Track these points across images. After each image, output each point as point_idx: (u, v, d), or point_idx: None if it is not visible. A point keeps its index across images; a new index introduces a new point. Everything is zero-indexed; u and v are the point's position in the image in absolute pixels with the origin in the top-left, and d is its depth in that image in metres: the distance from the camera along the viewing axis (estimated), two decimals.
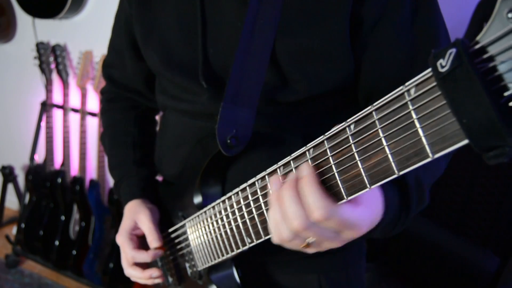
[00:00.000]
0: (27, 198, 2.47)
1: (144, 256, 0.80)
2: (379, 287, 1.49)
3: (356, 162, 0.42)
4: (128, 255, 0.81)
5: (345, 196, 0.45)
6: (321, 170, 0.46)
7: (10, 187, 2.64)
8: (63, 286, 2.31)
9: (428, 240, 1.42)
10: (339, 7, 0.63)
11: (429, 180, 0.65)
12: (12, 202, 2.88)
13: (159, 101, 0.87)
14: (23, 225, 2.37)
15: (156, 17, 0.76)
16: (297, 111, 0.72)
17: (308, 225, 0.46)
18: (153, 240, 0.80)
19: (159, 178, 0.94)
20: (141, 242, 0.84)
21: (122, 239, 0.83)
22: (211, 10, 0.71)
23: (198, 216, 0.72)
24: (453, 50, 0.32)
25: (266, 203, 0.55)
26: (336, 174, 0.44)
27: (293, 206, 0.46)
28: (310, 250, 0.53)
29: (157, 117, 1.05)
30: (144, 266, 0.84)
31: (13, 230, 2.59)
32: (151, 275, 0.81)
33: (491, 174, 1.35)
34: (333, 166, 0.45)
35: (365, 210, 0.48)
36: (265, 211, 0.55)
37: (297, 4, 0.65)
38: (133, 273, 0.83)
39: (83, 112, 2.28)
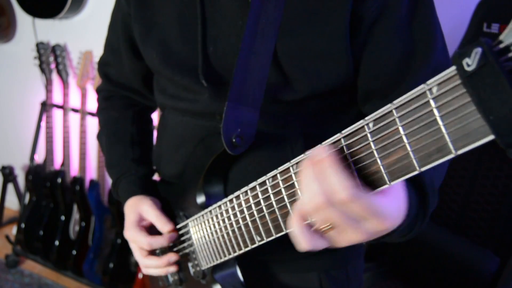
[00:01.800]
0: (27, 198, 2.47)
1: (161, 241, 0.78)
2: (379, 287, 1.49)
3: (376, 159, 0.43)
4: (144, 243, 0.79)
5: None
6: None
7: (10, 187, 2.64)
8: (63, 286, 2.32)
9: (428, 240, 1.42)
10: (340, 5, 0.63)
11: (438, 182, 0.66)
12: (12, 202, 2.88)
13: (158, 100, 0.86)
14: (23, 225, 2.37)
15: (155, 15, 0.76)
16: (298, 110, 0.72)
17: (330, 203, 0.42)
18: (163, 225, 0.78)
19: (156, 178, 0.94)
20: (149, 232, 0.83)
21: (131, 232, 0.81)
22: (211, 8, 0.71)
23: (202, 215, 0.72)
24: (479, 50, 0.32)
25: (277, 202, 0.55)
26: (354, 171, 0.45)
27: (315, 184, 0.43)
28: (322, 245, 0.49)
29: (154, 116, 1.05)
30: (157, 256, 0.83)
31: (13, 230, 2.59)
32: (169, 260, 0.79)
33: (491, 174, 1.36)
34: (351, 164, 0.45)
35: (393, 201, 0.46)
36: (276, 209, 0.55)
37: (299, 3, 0.65)
38: (150, 263, 0.81)
39: (83, 112, 2.28)
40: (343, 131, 0.45)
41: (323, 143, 0.48)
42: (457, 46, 1.44)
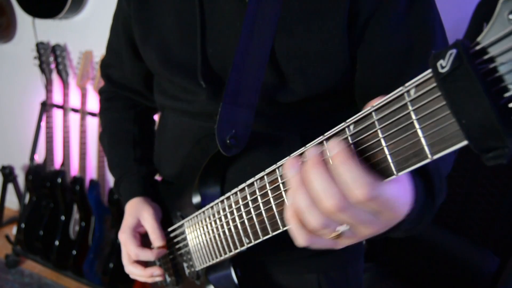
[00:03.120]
0: (27, 198, 2.47)
1: (148, 255, 0.80)
2: (379, 287, 1.49)
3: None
4: (132, 252, 0.81)
5: None
6: None
7: (10, 187, 2.64)
8: (63, 286, 2.32)
9: (428, 240, 1.42)
10: (337, 5, 0.63)
11: (445, 170, 0.64)
12: (12, 202, 2.88)
13: (157, 101, 0.87)
14: (23, 225, 2.37)
15: (154, 17, 0.76)
16: (295, 111, 0.72)
17: (344, 206, 0.39)
18: (156, 239, 0.80)
19: (158, 178, 0.95)
20: (143, 240, 0.84)
21: (125, 236, 0.82)
22: (210, 10, 0.71)
23: (196, 216, 0.72)
24: (454, 51, 0.31)
25: (264, 203, 0.55)
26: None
27: (324, 184, 0.39)
28: (341, 242, 0.46)
29: (155, 117, 1.05)
30: (144, 264, 0.84)
31: (13, 230, 2.59)
32: (153, 274, 0.81)
33: (491, 174, 1.36)
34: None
35: (401, 188, 0.43)
36: (263, 211, 0.55)
37: (296, 4, 0.65)
38: (134, 271, 0.83)
39: (83, 112, 2.28)
40: (325, 133, 0.45)
41: (307, 145, 0.46)
42: None
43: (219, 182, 0.75)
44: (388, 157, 0.39)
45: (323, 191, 0.40)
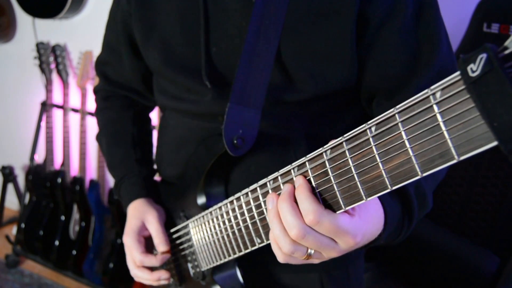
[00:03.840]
0: (27, 198, 2.47)
1: (153, 261, 0.80)
2: (379, 287, 1.49)
3: (378, 163, 0.43)
4: (137, 259, 0.80)
5: (343, 207, 0.48)
6: (339, 172, 0.47)
7: (10, 187, 2.64)
8: (63, 286, 2.31)
9: (428, 240, 1.42)
10: (346, 7, 0.63)
11: (431, 185, 0.66)
12: (12, 202, 2.88)
13: (158, 101, 0.86)
14: (23, 225, 2.37)
15: (156, 15, 0.75)
16: (301, 111, 0.72)
17: (304, 233, 0.48)
18: (160, 244, 0.79)
19: (157, 178, 0.94)
20: (147, 243, 0.84)
21: (130, 241, 0.81)
22: (214, 8, 0.70)
23: (203, 216, 0.71)
24: (484, 56, 0.32)
25: None
26: (355, 175, 0.45)
27: (289, 216, 0.49)
28: (314, 261, 0.55)
29: (153, 116, 1.04)
30: (150, 267, 0.84)
31: (13, 230, 2.59)
32: (160, 277, 0.81)
33: (491, 174, 1.36)
34: (352, 168, 0.45)
35: (360, 222, 0.50)
36: None
37: (303, 4, 0.65)
38: (140, 275, 0.82)
39: (83, 112, 2.28)
40: (345, 135, 0.45)
41: (325, 146, 0.49)
42: (457, 46, 1.44)
43: (223, 182, 0.74)
44: (413, 158, 0.40)
45: (289, 222, 0.49)
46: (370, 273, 1.52)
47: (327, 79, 0.67)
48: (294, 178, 0.51)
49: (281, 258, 0.54)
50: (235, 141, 0.66)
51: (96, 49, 2.24)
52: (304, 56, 0.66)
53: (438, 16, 0.67)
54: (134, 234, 0.82)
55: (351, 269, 0.84)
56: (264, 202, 0.57)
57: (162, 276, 0.81)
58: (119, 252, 2.10)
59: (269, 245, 0.59)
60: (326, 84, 0.68)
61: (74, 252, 2.24)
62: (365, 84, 0.70)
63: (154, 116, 1.02)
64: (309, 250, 0.52)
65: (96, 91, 1.01)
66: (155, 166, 0.95)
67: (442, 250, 1.39)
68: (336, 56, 0.65)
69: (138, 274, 0.82)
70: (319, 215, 0.47)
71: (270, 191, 0.55)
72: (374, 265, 1.54)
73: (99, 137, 0.97)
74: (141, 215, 0.82)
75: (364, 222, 0.51)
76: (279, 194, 0.53)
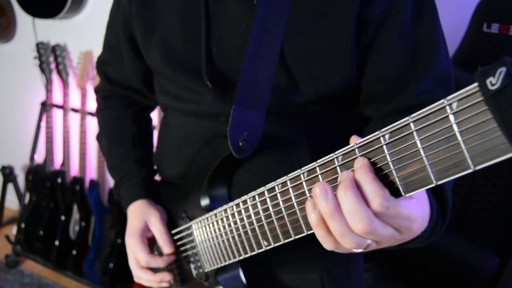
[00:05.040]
0: (27, 198, 2.47)
1: (159, 262, 0.80)
2: (379, 287, 1.49)
3: (391, 170, 0.43)
4: (142, 260, 0.80)
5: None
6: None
7: (10, 187, 2.64)
8: (63, 286, 2.32)
9: None
10: (347, 9, 0.63)
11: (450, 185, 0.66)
12: (12, 202, 2.88)
13: (160, 101, 0.86)
14: (23, 225, 2.37)
15: (157, 15, 0.76)
16: (303, 112, 0.72)
17: (374, 226, 0.43)
18: (164, 245, 0.79)
19: (157, 178, 0.94)
20: (149, 244, 0.84)
21: (134, 242, 0.81)
22: (216, 9, 0.70)
23: (207, 218, 0.71)
24: (504, 69, 0.33)
25: (286, 208, 0.55)
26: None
27: (358, 206, 0.43)
28: (364, 250, 0.50)
29: (153, 115, 1.04)
30: (152, 269, 0.84)
31: (13, 230, 2.59)
32: (163, 279, 0.81)
33: (491, 174, 1.36)
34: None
35: (418, 203, 0.47)
36: (285, 215, 0.55)
37: (305, 6, 0.65)
38: (143, 276, 0.82)
39: (83, 112, 2.28)
40: (357, 142, 0.46)
41: (336, 152, 0.48)
42: (457, 46, 1.44)
43: (226, 183, 0.74)
44: (428, 167, 0.40)
45: (353, 215, 0.43)
46: (370, 273, 1.52)
47: (328, 81, 0.68)
48: (355, 161, 0.45)
49: (330, 245, 0.48)
50: (240, 143, 0.66)
51: (96, 49, 2.24)
52: (305, 58, 0.67)
53: (436, 19, 0.67)
54: (138, 235, 0.81)
55: (351, 269, 0.84)
56: (273, 205, 0.56)
57: (165, 278, 0.80)
58: (119, 252, 2.11)
59: None
60: (326, 87, 0.68)
61: (74, 252, 2.24)
62: (364, 86, 0.70)
63: (155, 116, 1.02)
64: (368, 241, 0.46)
65: (97, 90, 1.01)
66: (155, 167, 0.95)
67: (442, 250, 1.39)
68: (336, 58, 0.66)
69: (141, 275, 0.82)
70: (387, 199, 0.42)
71: (278, 195, 0.55)
72: (374, 265, 1.54)
73: (99, 137, 0.97)
74: (143, 216, 0.82)
75: (421, 206, 0.48)
76: (288, 198, 0.52)
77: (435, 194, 0.58)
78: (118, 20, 0.85)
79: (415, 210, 0.46)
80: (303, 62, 0.67)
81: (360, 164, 0.44)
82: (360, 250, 0.47)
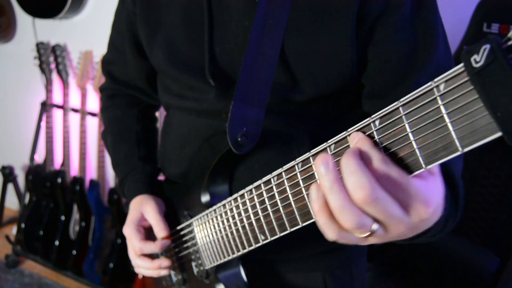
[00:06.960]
0: (27, 198, 2.47)
1: (152, 247, 0.80)
2: (380, 287, 1.49)
3: None
4: (136, 246, 0.81)
5: None
6: None
7: (10, 187, 2.64)
8: (63, 286, 2.32)
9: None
10: (347, 5, 0.64)
11: (460, 173, 0.65)
12: (12, 202, 2.88)
13: (162, 100, 0.87)
14: (23, 225, 2.37)
15: (161, 14, 0.76)
16: (304, 110, 0.72)
17: (376, 192, 0.39)
18: (159, 230, 0.80)
19: (161, 177, 0.94)
20: (148, 234, 0.84)
21: (129, 230, 0.82)
22: (218, 8, 0.71)
23: (206, 214, 0.72)
24: (487, 46, 0.32)
25: (282, 200, 0.54)
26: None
27: (360, 172, 0.39)
28: (373, 240, 0.46)
29: (157, 114, 1.05)
30: (151, 258, 0.84)
31: (13, 230, 2.59)
32: (161, 265, 0.80)
33: (491, 174, 1.36)
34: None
35: (433, 186, 0.43)
36: (281, 208, 0.55)
37: (306, 3, 0.66)
38: (141, 264, 0.82)
39: (83, 112, 2.28)
40: (349, 129, 0.45)
41: (329, 141, 0.47)
42: (457, 46, 1.44)
43: (227, 180, 0.75)
44: (417, 150, 0.40)
45: (355, 182, 0.39)
46: (371, 273, 1.52)
47: (329, 78, 0.68)
48: (349, 137, 0.44)
49: (333, 233, 0.44)
50: (239, 139, 0.67)
51: (96, 49, 2.24)
52: (306, 55, 0.67)
53: (436, 13, 0.67)
54: (133, 224, 0.82)
55: (354, 269, 0.84)
56: (269, 197, 0.56)
57: (163, 263, 0.80)
58: (119, 252, 2.11)
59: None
60: (328, 84, 0.68)
61: (74, 252, 2.24)
62: (363, 81, 0.70)
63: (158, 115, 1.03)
64: (373, 226, 0.42)
65: (101, 89, 1.02)
66: (159, 165, 0.95)
67: (442, 250, 1.39)
68: (337, 55, 0.66)
69: (139, 263, 0.83)
70: (388, 163, 0.40)
71: (274, 187, 0.55)
72: (375, 265, 1.54)
73: (104, 135, 0.99)
74: (140, 207, 0.83)
75: (437, 186, 0.43)
76: (283, 189, 0.52)
77: (447, 185, 0.55)
78: (122, 20, 0.86)
79: (432, 193, 0.42)
80: (303, 59, 0.67)
81: (358, 138, 0.42)
82: (365, 236, 0.43)
